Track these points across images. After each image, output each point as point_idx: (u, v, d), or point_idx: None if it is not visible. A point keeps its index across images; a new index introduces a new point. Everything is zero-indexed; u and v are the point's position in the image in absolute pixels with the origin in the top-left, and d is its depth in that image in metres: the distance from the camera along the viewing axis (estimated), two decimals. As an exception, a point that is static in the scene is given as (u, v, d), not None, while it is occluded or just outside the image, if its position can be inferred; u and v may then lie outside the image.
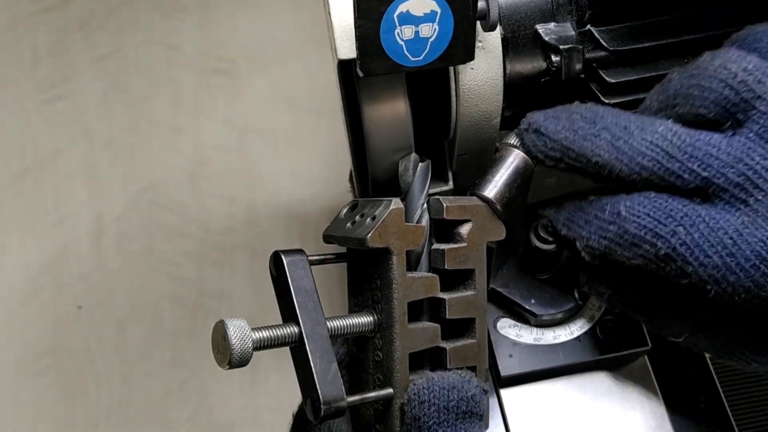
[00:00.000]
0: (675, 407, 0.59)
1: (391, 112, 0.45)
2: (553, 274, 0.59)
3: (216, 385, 0.85)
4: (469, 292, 0.41)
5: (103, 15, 1.10)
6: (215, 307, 0.90)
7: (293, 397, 0.86)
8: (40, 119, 1.03)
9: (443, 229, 0.42)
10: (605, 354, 0.58)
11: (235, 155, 0.99)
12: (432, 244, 0.41)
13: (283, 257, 0.39)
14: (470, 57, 0.41)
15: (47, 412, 0.83)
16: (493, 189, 0.48)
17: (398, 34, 0.39)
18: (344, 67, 0.45)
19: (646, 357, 0.59)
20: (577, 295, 0.58)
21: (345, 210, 0.42)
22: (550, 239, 0.54)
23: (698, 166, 0.34)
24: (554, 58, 0.45)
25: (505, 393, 0.58)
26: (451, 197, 0.42)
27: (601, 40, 0.46)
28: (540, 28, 0.46)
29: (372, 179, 0.55)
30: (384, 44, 0.39)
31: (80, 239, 0.93)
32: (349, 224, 0.40)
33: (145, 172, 0.98)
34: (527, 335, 0.59)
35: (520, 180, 0.50)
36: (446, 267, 0.40)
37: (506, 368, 0.58)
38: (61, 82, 1.05)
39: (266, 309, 0.90)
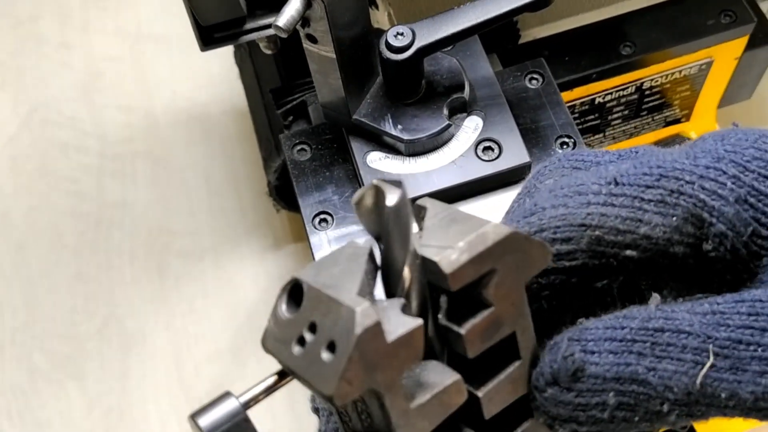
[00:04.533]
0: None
1: None
2: (421, 96, 0.55)
3: (124, 295, 0.81)
4: (512, 368, 0.29)
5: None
6: (119, 218, 0.85)
7: (205, 299, 0.82)
8: (-76, 51, 0.97)
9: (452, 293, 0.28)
10: (484, 173, 0.54)
11: (129, 64, 0.94)
12: (436, 319, 0.29)
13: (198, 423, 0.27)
14: None
15: (-53, 340, 0.79)
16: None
17: None
18: None
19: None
20: (446, 112, 0.54)
21: (283, 307, 0.27)
22: (402, 46, 0.50)
23: None
24: None
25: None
26: (453, 231, 0.27)
27: None
28: None
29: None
30: None
31: (-28, 166, 0.89)
32: (296, 347, 0.26)
33: (35, 91, 0.93)
34: (399, 166, 0.55)
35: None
36: (470, 355, 0.28)
37: (377, 199, 0.54)
38: (-57, 12, 1.00)
39: (171, 214, 0.86)
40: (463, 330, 0.27)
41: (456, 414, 0.28)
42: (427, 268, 0.27)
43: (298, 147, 0.58)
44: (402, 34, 0.50)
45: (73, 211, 0.86)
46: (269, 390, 0.28)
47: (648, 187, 0.30)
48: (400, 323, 0.25)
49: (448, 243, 0.27)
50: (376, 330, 0.24)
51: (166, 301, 0.81)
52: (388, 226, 0.27)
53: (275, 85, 0.74)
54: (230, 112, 0.91)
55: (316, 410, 0.32)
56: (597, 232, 0.30)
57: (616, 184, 0.31)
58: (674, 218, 0.30)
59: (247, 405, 0.27)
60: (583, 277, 0.32)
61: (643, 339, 0.29)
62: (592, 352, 0.29)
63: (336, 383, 0.24)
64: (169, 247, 0.84)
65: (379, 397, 0.25)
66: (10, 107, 0.92)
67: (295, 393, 0.74)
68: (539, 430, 0.31)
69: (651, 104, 0.72)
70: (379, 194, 0.27)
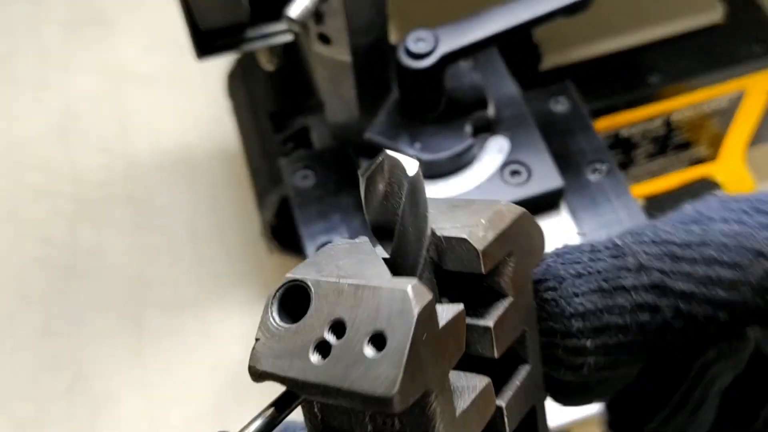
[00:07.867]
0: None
1: None
2: (441, 113, 0.49)
3: (94, 351, 0.73)
4: (522, 373, 0.24)
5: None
6: (92, 267, 0.78)
7: (185, 356, 0.74)
8: None
9: (460, 280, 0.23)
10: (512, 198, 0.48)
11: (109, 105, 0.88)
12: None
13: None
14: None
15: None
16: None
17: None
18: None
19: (564, 203, 0.49)
20: (470, 130, 0.48)
21: (274, 317, 0.21)
22: (424, 52, 0.44)
23: None
24: None
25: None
26: (460, 214, 0.22)
27: None
28: None
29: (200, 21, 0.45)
30: None
31: (-67, 210, 0.81)
32: (314, 355, 0.20)
33: (6, 132, 0.86)
34: (417, 190, 0.48)
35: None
36: (497, 354, 0.22)
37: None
38: None
39: (149, 263, 0.78)
40: (490, 322, 0.22)
41: None
42: (448, 251, 0.22)
43: (302, 172, 0.51)
44: (423, 39, 0.44)
45: (42, 259, 0.78)
46: (272, 425, 0.21)
47: None
48: (441, 308, 0.20)
49: (464, 223, 0.22)
50: (431, 310, 0.19)
51: (141, 358, 0.73)
52: (405, 204, 0.21)
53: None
54: (217, 154, 0.85)
55: None
56: None
57: None
58: None
59: None
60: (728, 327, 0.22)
61: None
62: None
63: (399, 378, 0.18)
64: (146, 298, 0.76)
65: (427, 401, 0.19)
66: (-22, 148, 0.86)
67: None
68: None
69: (677, 140, 0.67)
70: (393, 166, 0.21)
